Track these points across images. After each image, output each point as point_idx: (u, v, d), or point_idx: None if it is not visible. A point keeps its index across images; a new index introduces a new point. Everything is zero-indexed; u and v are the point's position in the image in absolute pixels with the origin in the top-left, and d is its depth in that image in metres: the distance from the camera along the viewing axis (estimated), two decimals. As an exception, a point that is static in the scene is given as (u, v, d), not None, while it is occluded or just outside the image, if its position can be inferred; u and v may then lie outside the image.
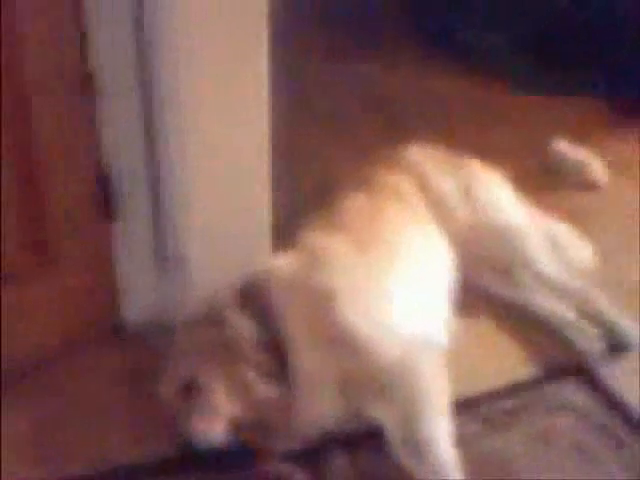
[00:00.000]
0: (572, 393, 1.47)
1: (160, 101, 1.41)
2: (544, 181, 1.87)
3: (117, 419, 1.42)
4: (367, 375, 1.36)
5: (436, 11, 2.35)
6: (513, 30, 2.24)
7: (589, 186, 1.92)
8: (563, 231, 1.73)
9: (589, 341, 1.54)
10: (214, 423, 1.34)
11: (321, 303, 1.38)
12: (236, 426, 1.34)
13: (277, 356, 1.37)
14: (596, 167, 1.93)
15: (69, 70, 1.35)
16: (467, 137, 1.89)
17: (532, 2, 2.22)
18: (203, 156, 1.43)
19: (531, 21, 2.23)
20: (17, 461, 1.35)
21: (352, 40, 2.39)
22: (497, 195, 1.68)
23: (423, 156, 1.69)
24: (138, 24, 1.35)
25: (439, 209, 1.61)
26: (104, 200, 1.48)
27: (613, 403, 1.45)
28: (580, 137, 1.97)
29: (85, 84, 1.37)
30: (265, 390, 1.35)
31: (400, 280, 1.47)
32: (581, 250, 1.71)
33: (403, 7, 2.45)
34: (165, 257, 1.55)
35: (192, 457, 1.33)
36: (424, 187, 1.63)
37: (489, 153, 1.76)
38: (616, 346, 1.54)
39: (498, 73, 2.21)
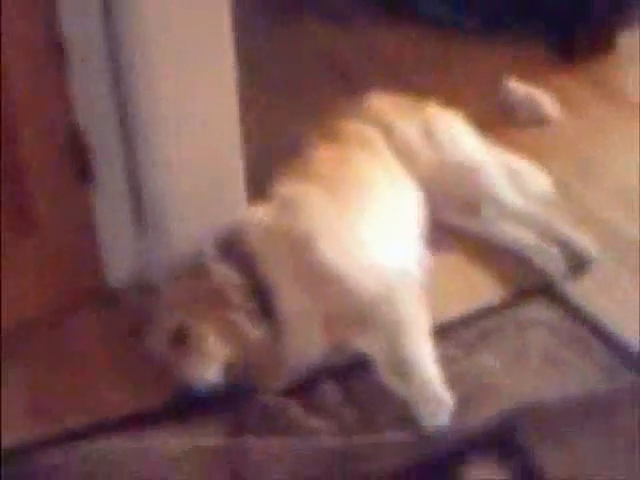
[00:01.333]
0: (540, 311, 1.56)
1: (129, 62, 1.44)
2: (498, 119, 1.94)
3: (108, 374, 1.48)
4: (350, 310, 1.44)
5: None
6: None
7: (541, 122, 2.00)
8: (521, 165, 1.82)
9: (552, 262, 1.64)
10: (207, 367, 1.41)
11: (300, 246, 1.45)
12: (228, 368, 1.42)
13: (262, 300, 1.45)
14: (547, 103, 2.01)
15: (39, 34, 1.38)
16: (422, 85, 1.96)
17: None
18: (173, 116, 1.47)
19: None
20: (10, 420, 1.39)
21: (305, 4, 2.44)
22: (457, 135, 1.76)
23: (384, 104, 1.76)
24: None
25: (404, 152, 1.69)
26: (79, 163, 1.51)
27: (579, 316, 1.55)
28: (529, 77, 2.05)
29: (56, 48, 1.40)
30: (254, 332, 1.42)
31: (373, 220, 1.55)
32: (538, 181, 1.80)
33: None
34: (143, 217, 1.60)
35: (188, 401, 1.40)
36: (388, 133, 1.70)
37: (444, 97, 1.84)
38: (577, 265, 1.64)
39: (445, 21, 2.28)
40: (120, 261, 1.62)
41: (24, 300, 1.54)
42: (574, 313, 1.56)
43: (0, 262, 1.48)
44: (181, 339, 1.42)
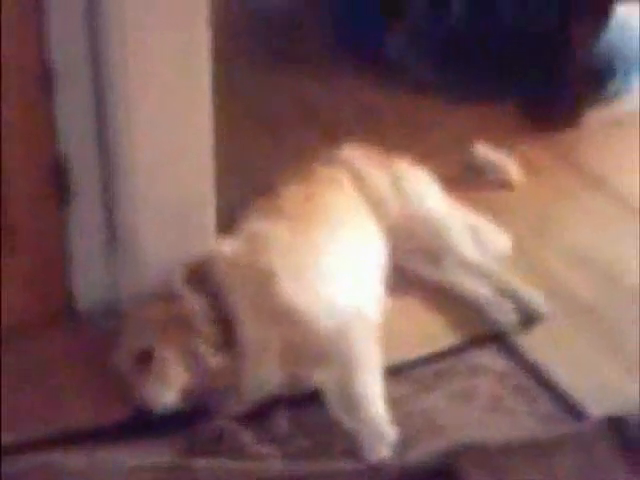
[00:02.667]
0: (490, 358, 1.63)
1: (111, 97, 1.53)
2: (464, 179, 2.04)
3: (71, 390, 1.52)
4: (306, 344, 1.51)
5: (364, 30, 2.57)
6: (433, 45, 2.47)
7: (505, 185, 2.10)
8: (482, 222, 1.90)
9: (505, 314, 1.71)
10: (167, 390, 1.46)
11: (262, 280, 1.52)
12: (187, 392, 1.47)
13: (224, 329, 1.51)
14: (512, 168, 2.11)
15: (29, 64, 1.47)
16: (395, 142, 2.03)
17: (447, 21, 2.47)
18: (150, 148, 1.56)
19: (450, 37, 2.47)
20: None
21: (289, 56, 2.56)
22: (423, 189, 1.85)
23: (357, 154, 1.85)
24: (92, 23, 1.48)
25: (372, 199, 1.77)
26: (58, 185, 1.58)
27: (526, 366, 1.62)
28: (498, 142, 2.16)
29: (44, 78, 1.49)
30: (215, 361, 1.48)
31: (336, 260, 1.63)
32: (497, 238, 1.88)
33: (336, 26, 2.67)
34: (117, 242, 1.66)
35: (145, 421, 1.45)
36: (358, 180, 1.79)
37: (415, 156, 1.94)
38: (527, 319, 1.71)
39: (421, 84, 2.41)
40: (91, 284, 1.67)
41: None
42: (522, 363, 1.63)
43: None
44: (145, 361, 1.47)
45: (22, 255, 1.60)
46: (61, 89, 1.51)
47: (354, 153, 1.84)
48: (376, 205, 1.77)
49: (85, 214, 1.63)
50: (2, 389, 1.51)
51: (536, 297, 1.74)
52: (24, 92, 1.49)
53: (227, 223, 1.66)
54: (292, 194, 1.69)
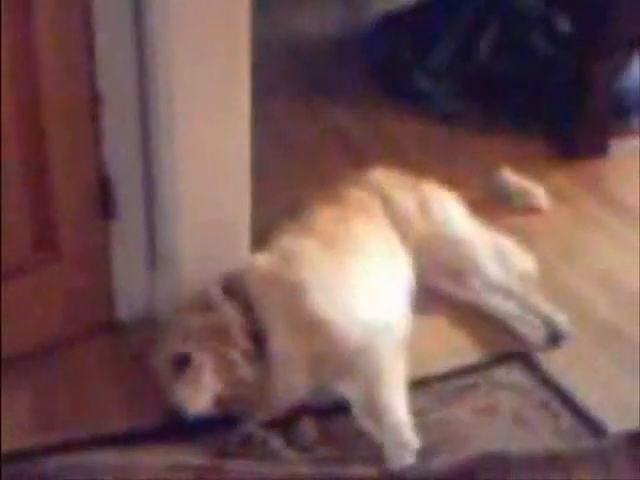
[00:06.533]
0: (514, 375, 1.67)
1: (156, 119, 1.63)
2: (491, 204, 2.09)
3: (109, 396, 1.61)
4: (333, 355, 1.56)
5: (396, 63, 2.68)
6: (461, 80, 2.56)
7: (532, 210, 2.15)
8: (507, 244, 1.95)
9: (534, 330, 1.76)
10: (200, 396, 1.52)
11: (292, 294, 1.58)
12: (219, 399, 1.53)
13: (256, 340, 1.57)
14: (539, 194, 2.17)
15: (79, 89, 1.57)
16: (422, 168, 2.08)
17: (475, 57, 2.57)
18: (192, 168, 1.64)
19: (476, 73, 2.56)
20: (16, 432, 1.52)
21: (323, 87, 2.67)
22: (449, 210, 1.91)
23: (385, 177, 1.92)
24: (139, 52, 1.58)
25: (399, 220, 1.83)
26: (103, 201, 1.68)
27: (549, 383, 1.66)
28: (526, 169, 2.21)
29: (93, 100, 1.59)
30: (247, 371, 1.54)
31: (363, 276, 1.68)
32: (523, 260, 1.93)
33: (369, 59, 2.78)
34: (157, 256, 1.75)
35: (178, 424, 1.51)
36: (386, 201, 1.85)
37: (442, 179, 1.99)
38: (552, 338, 1.76)
39: (449, 115, 2.50)
40: (132, 295, 1.76)
41: (41, 324, 1.68)
42: (544, 381, 1.67)
43: (23, 287, 1.64)
44: (181, 366, 1.53)
45: (67, 269, 1.68)
46: (108, 113, 1.61)
47: (382, 176, 1.91)
48: (403, 225, 1.83)
49: (128, 231, 1.72)
50: (46, 394, 1.61)
51: (560, 317, 1.78)
52: (73, 116, 1.58)
53: (261, 242, 1.74)
54: (323, 215, 1.76)
